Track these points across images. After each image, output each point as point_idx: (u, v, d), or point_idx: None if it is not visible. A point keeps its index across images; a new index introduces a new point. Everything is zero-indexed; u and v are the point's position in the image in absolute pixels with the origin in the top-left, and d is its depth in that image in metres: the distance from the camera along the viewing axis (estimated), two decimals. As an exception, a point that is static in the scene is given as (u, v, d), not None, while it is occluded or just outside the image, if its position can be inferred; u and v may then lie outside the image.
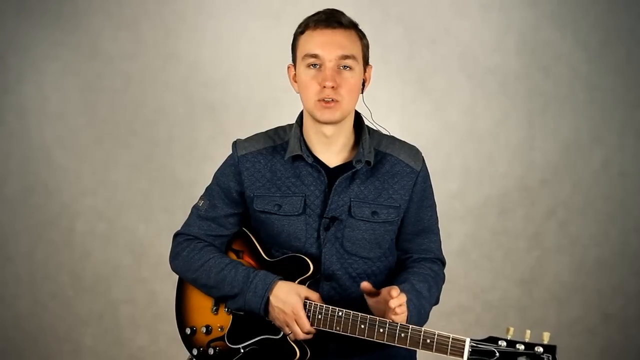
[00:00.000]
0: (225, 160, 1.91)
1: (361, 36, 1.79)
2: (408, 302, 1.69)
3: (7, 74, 3.42)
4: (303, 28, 1.77)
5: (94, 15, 3.34)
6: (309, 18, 1.78)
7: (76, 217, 3.46)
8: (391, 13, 3.22)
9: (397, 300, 1.62)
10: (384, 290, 1.66)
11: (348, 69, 1.74)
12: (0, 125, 3.45)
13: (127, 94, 3.38)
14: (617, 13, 3.18)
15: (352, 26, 1.78)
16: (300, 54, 1.77)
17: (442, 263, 1.94)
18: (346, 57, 1.73)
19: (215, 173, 1.93)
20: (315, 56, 1.73)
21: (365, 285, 1.69)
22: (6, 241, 3.50)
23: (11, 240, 3.49)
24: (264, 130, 1.93)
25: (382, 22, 3.22)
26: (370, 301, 1.71)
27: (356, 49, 1.76)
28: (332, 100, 1.73)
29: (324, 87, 1.72)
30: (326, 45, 1.72)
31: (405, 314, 1.67)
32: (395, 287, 1.65)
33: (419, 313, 1.75)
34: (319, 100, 1.73)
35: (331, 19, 1.74)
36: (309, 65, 1.74)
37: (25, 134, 3.44)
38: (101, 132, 3.41)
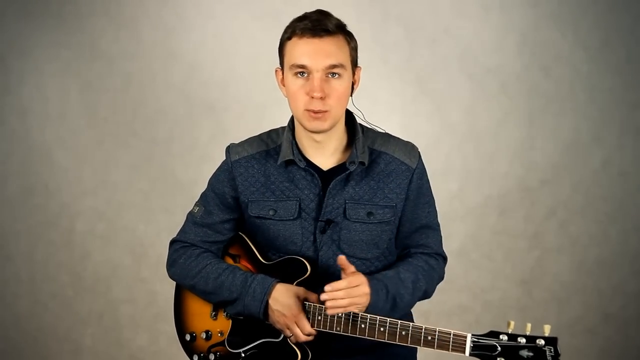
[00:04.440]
0: (220, 165, 1.91)
1: (349, 40, 1.75)
2: (375, 286, 1.70)
3: (8, 74, 3.42)
4: (290, 34, 1.73)
5: (94, 16, 3.34)
6: (295, 23, 1.73)
7: (76, 217, 3.46)
8: (391, 13, 3.22)
9: (329, 286, 1.64)
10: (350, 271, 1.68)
11: (337, 76, 1.71)
12: (1, 125, 3.45)
13: (127, 94, 3.38)
14: (617, 13, 3.17)
15: (339, 31, 1.73)
16: (287, 61, 1.74)
17: (443, 258, 1.92)
18: (334, 66, 1.70)
19: (210, 179, 1.93)
20: (302, 66, 1.70)
21: (342, 260, 1.69)
22: (6, 241, 3.50)
23: (11, 240, 3.50)
24: (263, 130, 1.93)
25: (382, 22, 3.21)
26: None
27: (344, 56, 1.72)
28: (321, 111, 1.71)
29: (312, 97, 1.70)
30: (313, 55, 1.69)
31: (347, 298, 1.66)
32: (355, 276, 1.66)
33: (392, 299, 1.74)
34: (307, 110, 1.72)
35: (317, 28, 1.69)
36: (296, 74, 1.72)
37: (25, 134, 3.45)
38: (101, 132, 3.41)
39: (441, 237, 1.93)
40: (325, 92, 1.70)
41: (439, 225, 1.93)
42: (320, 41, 1.69)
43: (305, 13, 1.75)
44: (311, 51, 1.69)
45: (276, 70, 1.82)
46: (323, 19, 1.72)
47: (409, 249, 1.89)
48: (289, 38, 1.73)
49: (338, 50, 1.71)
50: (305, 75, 1.71)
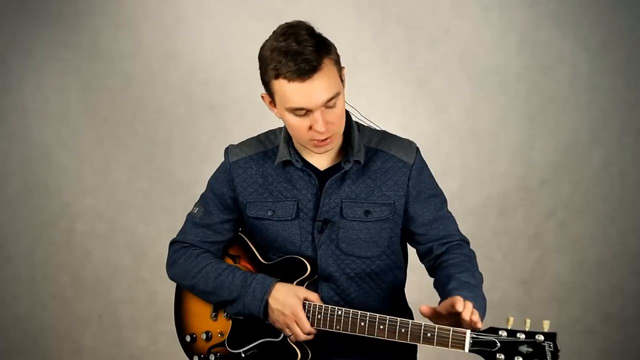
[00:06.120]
0: (219, 167, 1.91)
1: (332, 57, 1.66)
2: (476, 299, 1.67)
3: (8, 74, 3.42)
4: (275, 74, 1.63)
5: (94, 16, 3.34)
6: (276, 59, 1.60)
7: (76, 217, 3.46)
8: (391, 13, 3.22)
9: (467, 312, 1.56)
10: (445, 304, 1.59)
11: (334, 101, 1.66)
12: (1, 125, 3.46)
13: (127, 94, 3.38)
14: (617, 13, 3.18)
15: (322, 56, 1.63)
16: (280, 101, 1.67)
17: (467, 242, 1.92)
18: (331, 98, 1.64)
19: (209, 180, 1.93)
20: (299, 108, 1.64)
21: (424, 309, 1.61)
22: (6, 241, 3.50)
23: (11, 240, 3.50)
24: (263, 131, 1.93)
25: (382, 22, 3.21)
26: (435, 321, 1.63)
27: (336, 83, 1.66)
28: (327, 138, 1.68)
29: (316, 131, 1.66)
30: (307, 97, 1.62)
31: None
32: (458, 298, 1.57)
33: (479, 302, 1.71)
34: (311, 140, 1.69)
35: (304, 69, 1.59)
36: (293, 113, 1.66)
37: (26, 134, 3.45)
38: (101, 132, 3.41)
39: (456, 223, 1.92)
40: (327, 122, 1.66)
41: (450, 213, 1.91)
42: (312, 82, 1.61)
43: (279, 42, 1.61)
44: (305, 94, 1.62)
45: (262, 96, 1.75)
46: (302, 50, 1.60)
47: (431, 244, 1.86)
48: (276, 77, 1.64)
49: (330, 82, 1.64)
50: (304, 111, 1.66)
